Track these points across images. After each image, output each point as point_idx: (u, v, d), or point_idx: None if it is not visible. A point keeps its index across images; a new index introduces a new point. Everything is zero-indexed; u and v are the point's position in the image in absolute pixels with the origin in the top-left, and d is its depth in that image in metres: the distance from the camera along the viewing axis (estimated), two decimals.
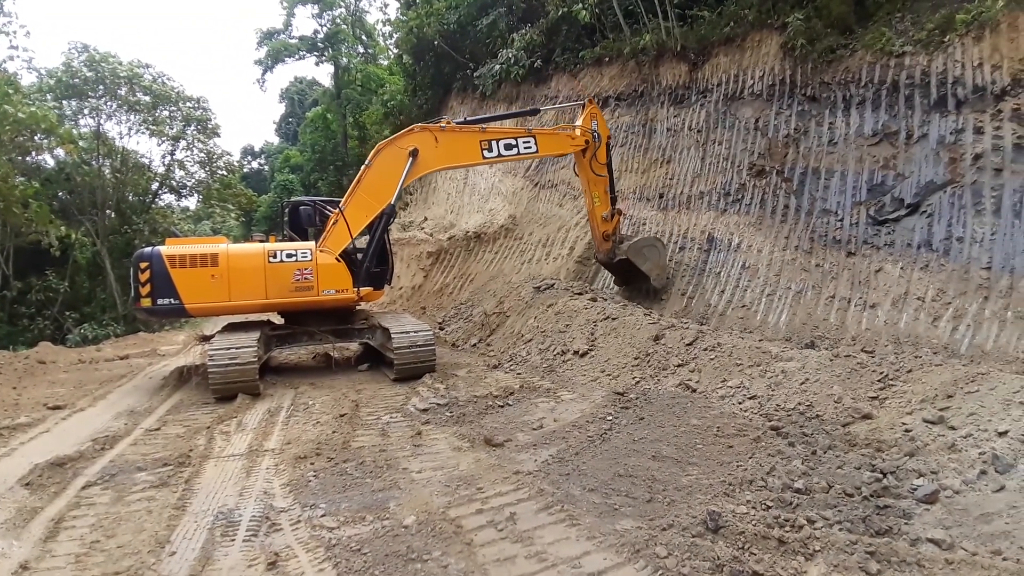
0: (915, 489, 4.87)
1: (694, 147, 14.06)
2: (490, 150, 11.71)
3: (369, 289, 11.17)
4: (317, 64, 43.52)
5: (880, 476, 5.12)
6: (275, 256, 10.49)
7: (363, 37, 42.62)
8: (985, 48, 9.21)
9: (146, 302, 9.98)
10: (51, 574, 4.34)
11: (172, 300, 9.97)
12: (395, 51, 33.94)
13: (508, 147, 11.86)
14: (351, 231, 10.79)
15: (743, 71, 13.25)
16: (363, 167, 11.07)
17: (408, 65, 29.43)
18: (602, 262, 13.74)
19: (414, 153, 10.95)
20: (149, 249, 10.32)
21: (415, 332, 10.38)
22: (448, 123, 11.60)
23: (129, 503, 5.53)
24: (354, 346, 12.79)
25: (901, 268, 9.53)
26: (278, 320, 12.07)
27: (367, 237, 11.35)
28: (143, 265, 9.97)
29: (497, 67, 21.23)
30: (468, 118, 12.48)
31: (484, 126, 12.10)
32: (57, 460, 6.53)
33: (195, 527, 4.96)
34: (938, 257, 9.15)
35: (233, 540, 4.73)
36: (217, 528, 4.92)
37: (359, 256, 11.21)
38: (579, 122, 12.71)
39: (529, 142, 12.01)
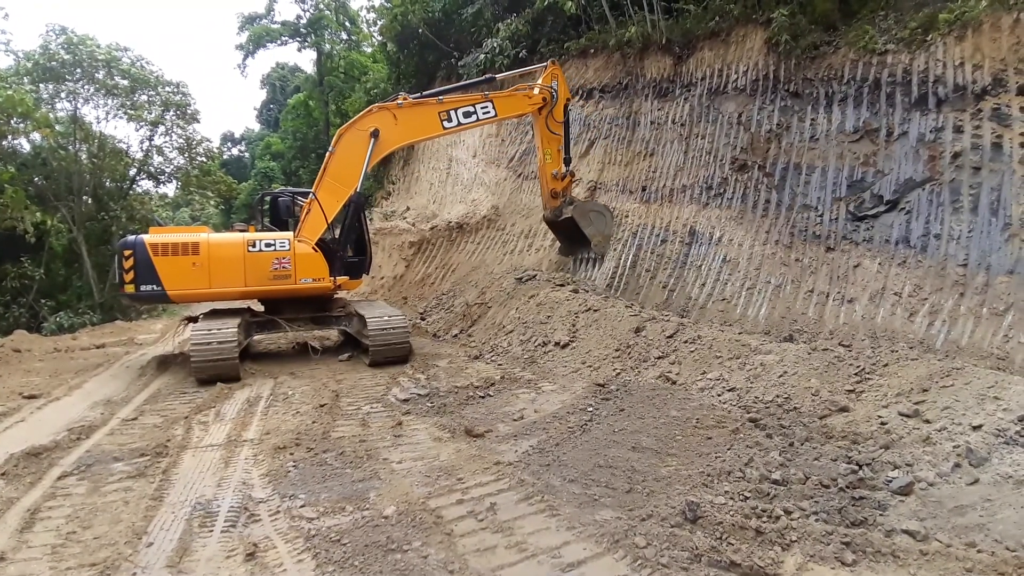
0: (890, 481, 4.94)
1: (677, 140, 14.10)
2: (449, 120, 11.91)
3: (346, 278, 11.42)
4: (300, 50, 43.25)
5: (856, 468, 5.19)
6: (254, 245, 10.75)
7: (347, 23, 42.17)
8: (967, 48, 9.31)
9: (130, 288, 10.27)
10: (27, 565, 4.30)
11: (155, 287, 10.24)
12: (379, 38, 33.58)
13: (467, 115, 12.05)
14: (326, 217, 10.99)
15: (727, 65, 13.29)
16: (328, 153, 11.25)
17: (392, 53, 29.16)
18: (548, 220, 13.98)
19: (375, 134, 11.16)
20: (133, 237, 10.56)
21: (389, 318, 10.70)
22: (405, 99, 11.67)
23: (106, 494, 5.49)
24: (334, 334, 12.99)
25: (879, 264, 9.64)
26: (259, 307, 12.20)
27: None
28: (127, 253, 10.25)
29: (482, 56, 21.10)
30: (425, 92, 12.62)
31: (441, 98, 12.14)
32: (33, 450, 6.47)
33: (173, 518, 4.92)
34: (916, 253, 9.27)
35: (211, 531, 4.70)
36: (195, 519, 4.89)
37: (333, 245, 11.40)
38: (539, 80, 12.93)
39: (487, 106, 12.22)
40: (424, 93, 12.52)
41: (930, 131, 9.52)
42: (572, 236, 13.67)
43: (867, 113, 10.49)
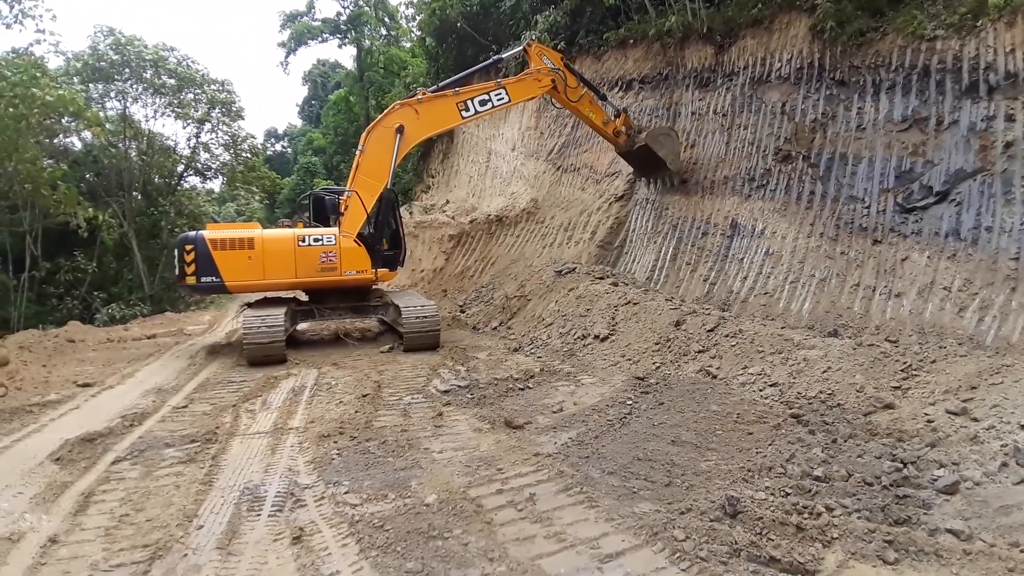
0: (935, 480, 4.85)
1: (719, 131, 13.91)
2: (467, 109, 12.46)
3: (385, 270, 12.14)
4: (340, 47, 43.88)
5: (900, 466, 5.10)
6: (303, 240, 11.49)
7: (386, 19, 42.56)
8: (1018, 34, 8.97)
9: (191, 280, 11.15)
10: (80, 547, 4.45)
11: (214, 278, 11.11)
12: (418, 33, 33.88)
13: (483, 103, 12.62)
14: (366, 209, 11.66)
15: (770, 54, 13.04)
16: (358, 152, 11.86)
17: (431, 47, 29.33)
18: (622, 153, 14.65)
19: (400, 130, 11.72)
20: (193, 233, 11.50)
21: (422, 307, 11.46)
22: (424, 94, 12.22)
23: (158, 478, 5.67)
24: (374, 325, 13.71)
25: (928, 257, 9.39)
26: (303, 297, 13.01)
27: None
28: (188, 247, 11.10)
29: (520, 49, 21.09)
30: (440, 84, 13.23)
31: (457, 88, 12.62)
32: (87, 436, 6.71)
33: (222, 502, 5.08)
34: (966, 246, 8.99)
35: (259, 515, 4.84)
36: (243, 503, 5.04)
37: (371, 239, 12.04)
38: (531, 68, 13.34)
39: (500, 93, 12.76)
40: (440, 85, 12.99)
41: (981, 120, 9.21)
42: (646, 162, 14.29)
43: (916, 101, 10.20)
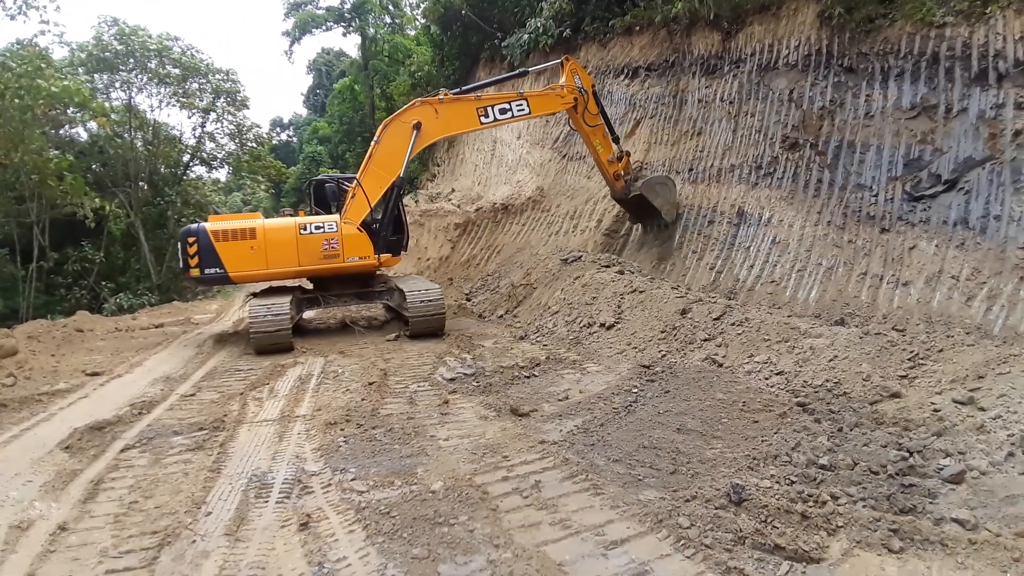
0: (941, 469, 4.83)
1: (726, 119, 13.83)
2: (486, 116, 12.45)
3: (388, 255, 12.18)
4: (344, 35, 43.45)
5: (906, 455, 5.09)
6: (305, 228, 11.55)
7: (390, 7, 42.27)
8: None
9: (195, 272, 11.23)
10: (90, 534, 4.50)
11: (218, 269, 11.20)
12: (422, 21, 33.73)
13: (503, 112, 12.60)
14: (369, 201, 11.70)
15: (778, 40, 12.93)
16: (372, 143, 11.90)
17: (435, 35, 29.25)
18: (617, 199, 14.57)
19: (417, 126, 11.72)
20: (195, 225, 11.60)
21: (426, 291, 11.41)
22: (446, 94, 12.22)
23: (166, 465, 5.73)
24: (381, 312, 13.74)
25: (936, 246, 9.34)
26: (308, 285, 13.07)
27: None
28: (191, 240, 11.17)
29: (525, 37, 20.98)
30: (463, 87, 13.21)
31: (479, 93, 12.63)
32: (96, 424, 6.77)
33: (230, 489, 5.12)
34: (974, 235, 8.94)
35: (266, 502, 4.89)
36: (251, 490, 5.08)
37: (376, 226, 12.07)
38: (562, 80, 13.21)
39: (522, 104, 12.73)
40: (463, 88, 12.98)
41: (990, 107, 9.13)
42: (641, 210, 14.25)
43: (925, 89, 10.11)
